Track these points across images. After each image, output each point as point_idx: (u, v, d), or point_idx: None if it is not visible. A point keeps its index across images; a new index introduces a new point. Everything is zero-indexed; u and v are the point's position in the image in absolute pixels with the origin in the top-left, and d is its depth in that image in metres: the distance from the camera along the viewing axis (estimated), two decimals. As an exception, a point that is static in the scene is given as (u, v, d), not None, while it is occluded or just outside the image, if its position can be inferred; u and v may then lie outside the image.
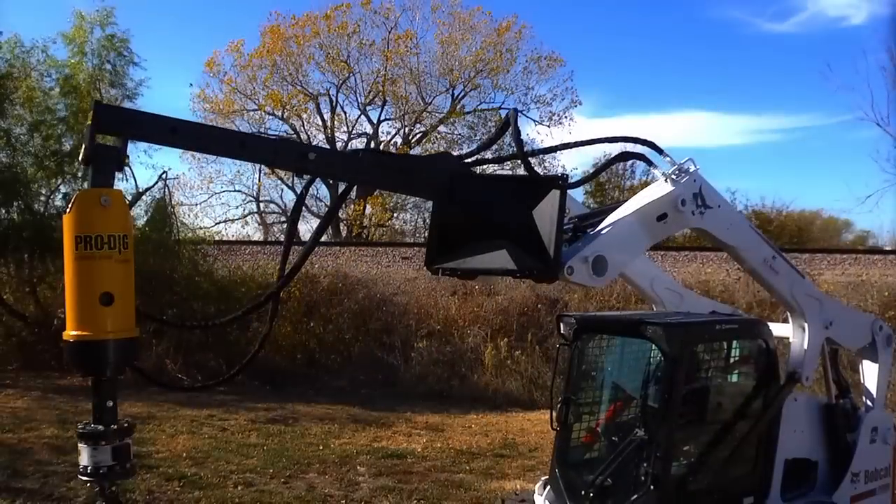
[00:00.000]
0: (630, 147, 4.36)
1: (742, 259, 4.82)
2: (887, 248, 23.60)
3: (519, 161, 4.47)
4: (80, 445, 2.76)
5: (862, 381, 5.76)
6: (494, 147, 4.82)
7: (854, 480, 5.42)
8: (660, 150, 4.38)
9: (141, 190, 16.10)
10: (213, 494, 7.64)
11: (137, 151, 17.14)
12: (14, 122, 14.97)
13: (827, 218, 36.95)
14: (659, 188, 4.42)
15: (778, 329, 5.35)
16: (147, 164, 29.31)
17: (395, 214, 31.13)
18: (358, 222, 28.75)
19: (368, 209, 29.33)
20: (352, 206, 29.32)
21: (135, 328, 2.85)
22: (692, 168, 4.45)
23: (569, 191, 3.93)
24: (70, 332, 2.71)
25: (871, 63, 43.47)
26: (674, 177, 4.40)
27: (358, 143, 30.58)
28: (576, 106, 29.96)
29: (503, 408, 12.37)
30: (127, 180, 13.50)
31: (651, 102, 60.39)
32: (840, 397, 5.56)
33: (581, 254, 4.05)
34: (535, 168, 4.13)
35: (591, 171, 4.15)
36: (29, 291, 14.98)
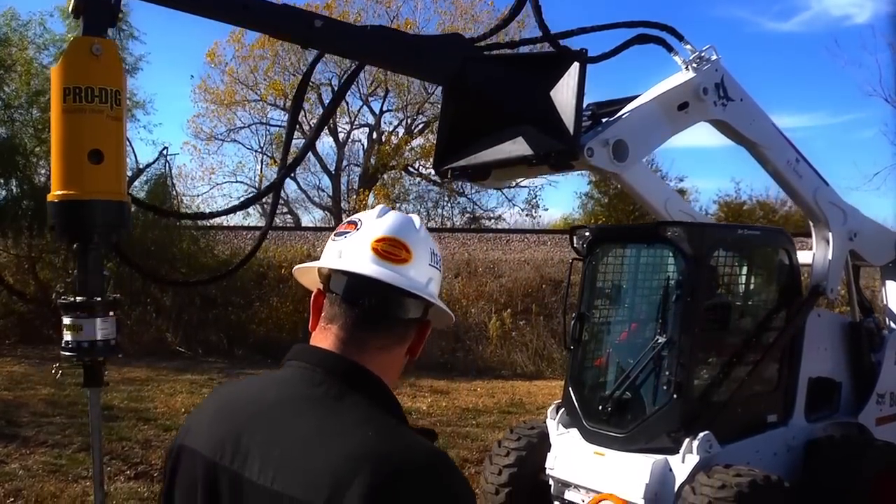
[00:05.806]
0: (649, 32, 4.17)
1: (765, 159, 4.63)
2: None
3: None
4: (64, 319, 2.50)
5: (885, 302, 5.58)
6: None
7: (879, 402, 5.23)
8: (680, 37, 4.19)
9: (141, 166, 16.04)
10: (213, 443, 7.43)
11: (137, 128, 17.12)
12: (13, 97, 14.79)
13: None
14: (680, 76, 4.25)
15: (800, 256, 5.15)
16: (147, 141, 29.26)
17: (398, 206, 30.92)
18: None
19: (372, 199, 29.12)
20: (354, 197, 29.09)
21: (125, 193, 2.64)
22: (714, 57, 4.28)
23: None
24: (55, 193, 2.45)
25: (880, 39, 43.18)
26: (694, 65, 4.23)
27: (360, 134, 30.42)
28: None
29: (509, 378, 12.14)
30: (127, 155, 13.32)
31: (653, 101, 60.19)
32: (864, 317, 5.37)
33: (601, 136, 3.87)
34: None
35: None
36: (28, 269, 14.82)
